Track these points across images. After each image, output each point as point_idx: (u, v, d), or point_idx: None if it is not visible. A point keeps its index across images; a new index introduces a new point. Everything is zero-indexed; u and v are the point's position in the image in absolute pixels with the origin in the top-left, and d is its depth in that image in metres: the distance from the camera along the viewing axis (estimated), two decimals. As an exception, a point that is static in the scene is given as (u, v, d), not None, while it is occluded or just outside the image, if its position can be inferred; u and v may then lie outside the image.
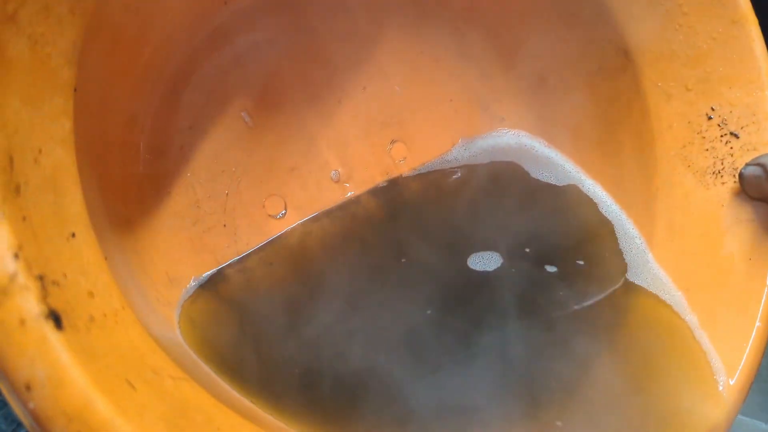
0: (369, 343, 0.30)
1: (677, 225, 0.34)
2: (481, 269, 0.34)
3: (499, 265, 0.34)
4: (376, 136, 0.40)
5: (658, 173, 0.35)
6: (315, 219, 0.37)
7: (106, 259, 0.24)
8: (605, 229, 0.36)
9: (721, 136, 0.33)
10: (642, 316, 0.32)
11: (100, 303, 0.22)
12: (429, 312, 0.32)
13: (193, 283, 0.33)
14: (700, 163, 0.33)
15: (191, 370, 0.26)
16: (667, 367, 0.30)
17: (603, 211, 0.37)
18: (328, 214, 0.37)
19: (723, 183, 0.33)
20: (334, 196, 0.38)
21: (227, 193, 0.35)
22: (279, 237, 0.36)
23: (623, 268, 0.35)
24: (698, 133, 0.34)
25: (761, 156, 0.31)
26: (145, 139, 0.33)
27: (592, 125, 0.39)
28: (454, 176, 0.39)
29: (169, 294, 0.32)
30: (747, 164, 0.31)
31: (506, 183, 0.39)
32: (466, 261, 0.34)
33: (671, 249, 0.33)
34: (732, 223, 0.32)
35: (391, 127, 0.40)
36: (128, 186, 0.32)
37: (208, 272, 0.34)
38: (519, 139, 0.41)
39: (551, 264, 0.34)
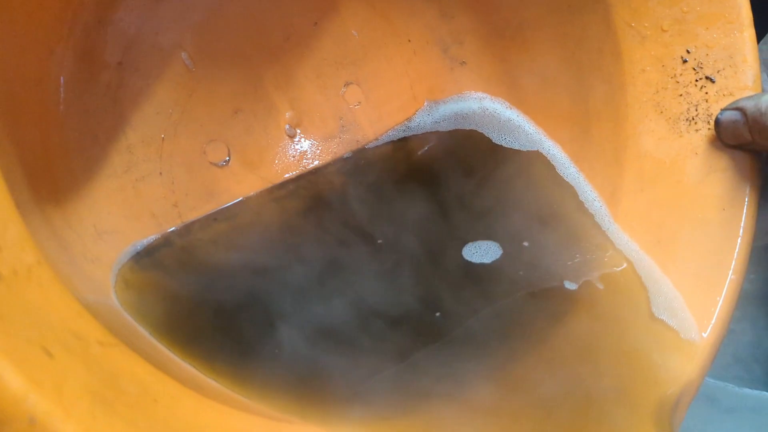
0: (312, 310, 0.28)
1: (648, 174, 0.32)
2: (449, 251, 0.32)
3: (465, 246, 0.32)
4: (329, 78, 0.36)
5: (629, 120, 0.33)
6: (270, 191, 0.33)
7: (18, 207, 0.20)
8: (567, 193, 0.34)
9: (696, 80, 0.31)
10: (607, 276, 0.31)
11: (10, 257, 0.19)
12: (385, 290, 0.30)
13: (131, 248, 0.30)
14: (674, 109, 0.32)
15: (126, 335, 0.22)
16: (635, 325, 0.29)
17: (562, 174, 0.35)
18: (282, 186, 0.34)
19: (697, 130, 0.31)
20: (282, 143, 0.35)
21: (163, 138, 0.32)
22: (229, 207, 0.33)
23: (586, 233, 0.33)
24: (672, 78, 0.32)
25: (739, 100, 0.29)
26: (66, 75, 0.29)
27: (559, 69, 0.36)
28: (419, 151, 0.36)
29: (97, 249, 0.28)
30: (723, 109, 0.29)
31: (469, 155, 0.36)
32: (434, 242, 0.32)
33: (641, 200, 0.32)
34: (706, 172, 0.30)
35: (344, 67, 0.37)
36: (48, 128, 0.28)
37: (149, 237, 0.30)
38: (482, 104, 0.39)
39: (517, 240, 0.32)
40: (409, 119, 0.38)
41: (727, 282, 0.28)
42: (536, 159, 0.35)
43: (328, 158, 0.36)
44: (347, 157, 0.35)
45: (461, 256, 0.31)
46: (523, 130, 0.37)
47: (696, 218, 0.30)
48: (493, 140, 0.37)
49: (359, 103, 0.37)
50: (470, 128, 0.37)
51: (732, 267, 0.28)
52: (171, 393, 0.21)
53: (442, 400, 0.25)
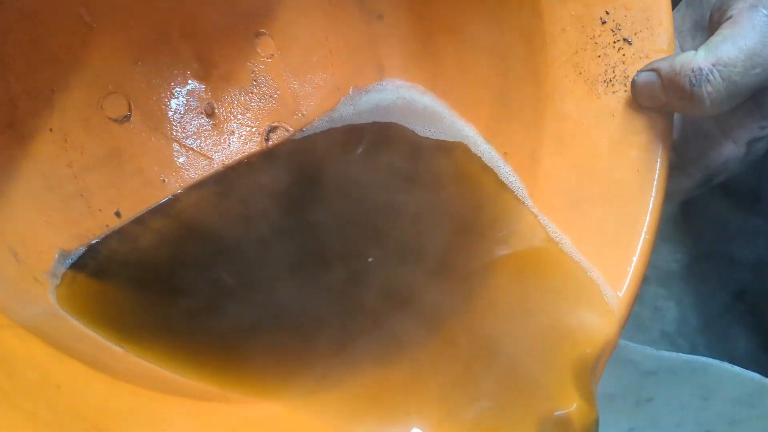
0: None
1: (566, 136, 0.32)
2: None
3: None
4: (239, 26, 0.34)
5: (548, 81, 0.33)
6: (190, 191, 0.31)
7: None
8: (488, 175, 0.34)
9: (614, 42, 0.31)
10: (526, 244, 0.31)
11: None
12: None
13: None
14: (592, 71, 0.32)
15: (29, 316, 0.20)
16: (554, 289, 0.29)
17: (475, 151, 0.35)
18: (198, 186, 0.31)
19: (614, 92, 0.31)
20: (187, 98, 0.32)
21: (53, 90, 0.28)
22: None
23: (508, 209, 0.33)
24: (591, 38, 0.32)
25: (655, 61, 0.29)
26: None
27: (478, 27, 0.35)
28: (339, 148, 0.34)
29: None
30: (640, 71, 0.30)
31: (392, 148, 0.35)
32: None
33: (560, 161, 0.32)
34: (622, 134, 0.31)
35: (256, 16, 0.34)
36: None
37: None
38: (399, 93, 0.37)
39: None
40: (332, 109, 0.36)
41: (641, 241, 0.29)
42: (457, 148, 0.35)
43: (238, 114, 0.34)
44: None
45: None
46: (438, 114, 0.36)
47: (612, 180, 0.30)
48: (412, 129, 0.35)
49: (272, 55, 0.35)
50: (391, 121, 0.36)
51: (645, 227, 0.29)
52: (76, 377, 0.19)
53: (375, 365, 0.25)
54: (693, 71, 0.27)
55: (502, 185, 0.33)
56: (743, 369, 0.35)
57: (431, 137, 0.35)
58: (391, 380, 0.25)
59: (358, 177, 0.32)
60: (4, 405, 0.15)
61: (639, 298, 0.43)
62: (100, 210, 0.30)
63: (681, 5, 0.33)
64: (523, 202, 0.32)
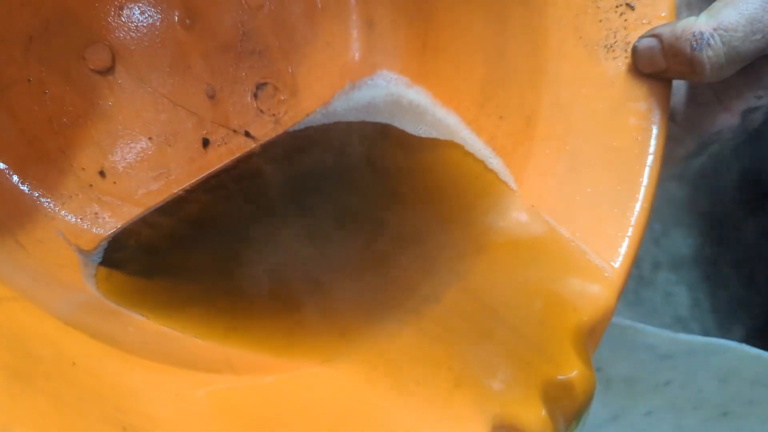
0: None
1: (564, 101, 0.32)
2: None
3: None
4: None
5: (547, 44, 0.32)
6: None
7: None
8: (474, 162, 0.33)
9: (617, 6, 0.31)
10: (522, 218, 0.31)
11: None
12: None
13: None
14: (592, 35, 0.31)
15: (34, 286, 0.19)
16: (553, 258, 0.29)
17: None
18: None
19: (614, 58, 0.31)
20: (174, 47, 0.30)
21: (31, 38, 0.26)
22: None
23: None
24: (593, 2, 0.31)
25: (657, 27, 0.29)
26: None
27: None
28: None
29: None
30: (641, 36, 0.30)
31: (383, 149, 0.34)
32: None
33: (558, 126, 0.32)
34: (622, 101, 0.30)
35: (244, -36, 0.32)
36: None
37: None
38: (388, 89, 0.36)
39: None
40: (326, 103, 0.34)
41: (637, 209, 0.29)
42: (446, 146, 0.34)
43: (227, 69, 0.32)
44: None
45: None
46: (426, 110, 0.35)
47: (610, 146, 0.30)
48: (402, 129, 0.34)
49: (262, 6, 0.33)
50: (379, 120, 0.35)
51: (641, 195, 0.29)
52: (89, 353, 0.17)
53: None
54: (694, 35, 0.27)
55: (489, 171, 0.32)
56: (761, 350, 0.35)
57: (422, 136, 0.34)
58: (399, 350, 0.25)
59: (351, 174, 0.32)
60: (29, 390, 0.14)
61: (651, 283, 0.45)
62: (83, 169, 0.28)
63: None
64: (513, 189, 0.31)
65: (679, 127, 0.31)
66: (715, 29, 0.26)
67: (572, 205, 0.31)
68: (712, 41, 0.27)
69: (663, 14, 0.30)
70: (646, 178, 0.30)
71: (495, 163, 0.32)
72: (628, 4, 0.31)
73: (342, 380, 0.23)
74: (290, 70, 0.34)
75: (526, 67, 0.33)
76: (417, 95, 0.35)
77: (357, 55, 0.37)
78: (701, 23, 0.27)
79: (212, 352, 0.23)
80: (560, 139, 0.32)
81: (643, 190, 0.29)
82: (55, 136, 0.27)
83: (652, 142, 0.30)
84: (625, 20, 0.31)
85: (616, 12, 0.31)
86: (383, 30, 0.37)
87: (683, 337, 0.35)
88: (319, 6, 0.35)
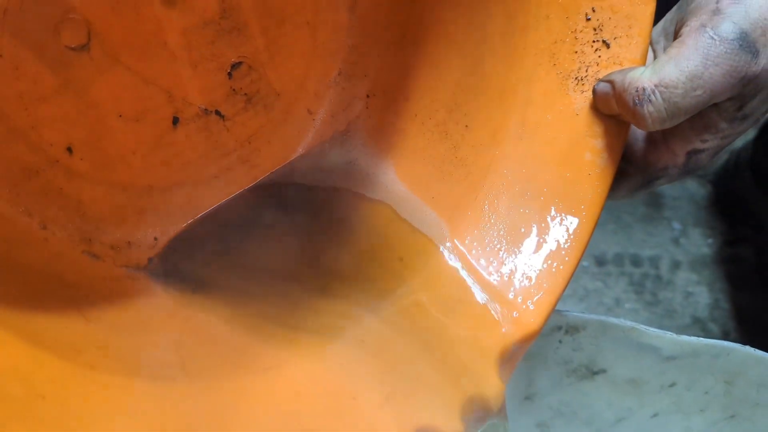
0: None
1: (530, 123, 0.33)
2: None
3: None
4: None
5: (523, 64, 0.33)
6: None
7: None
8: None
9: (594, 41, 0.32)
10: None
11: None
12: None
13: None
14: (566, 65, 0.32)
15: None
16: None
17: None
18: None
19: (583, 91, 0.32)
20: (153, 24, 0.30)
21: (6, 10, 0.25)
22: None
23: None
24: (572, 32, 0.32)
25: (612, 73, 0.30)
26: None
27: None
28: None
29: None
30: (600, 80, 0.31)
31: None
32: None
33: (519, 148, 0.33)
34: (582, 134, 0.32)
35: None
36: None
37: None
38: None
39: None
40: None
41: (576, 224, 0.31)
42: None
43: (202, 47, 0.32)
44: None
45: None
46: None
47: (562, 177, 0.32)
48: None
49: (243, -18, 0.32)
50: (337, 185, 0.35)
51: (577, 233, 0.31)
52: (57, 381, 0.19)
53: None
54: (637, 90, 0.28)
55: (415, 231, 0.34)
56: (766, 353, 0.35)
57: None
58: (339, 365, 0.27)
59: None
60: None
61: (670, 283, 0.47)
62: (51, 145, 0.28)
63: (673, 8, 0.34)
64: (437, 246, 0.33)
65: (625, 161, 0.33)
66: (656, 85, 0.28)
67: (512, 229, 0.32)
68: (653, 97, 0.28)
69: (636, 57, 0.31)
70: (583, 214, 0.31)
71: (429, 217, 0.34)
72: (604, 41, 0.32)
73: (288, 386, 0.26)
74: (267, 49, 0.34)
75: (499, 82, 0.34)
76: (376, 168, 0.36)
77: (336, 35, 0.37)
78: (645, 78, 0.28)
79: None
80: (520, 162, 0.33)
81: (578, 229, 0.31)
82: (26, 112, 0.27)
83: (604, 182, 0.32)
84: (599, 56, 0.32)
85: (592, 47, 0.32)
86: (365, 12, 0.37)
87: (687, 339, 0.35)
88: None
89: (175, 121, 0.32)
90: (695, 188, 0.52)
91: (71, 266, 0.28)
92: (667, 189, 0.54)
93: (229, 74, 0.33)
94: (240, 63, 0.33)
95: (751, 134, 0.56)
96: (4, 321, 0.20)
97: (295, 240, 0.32)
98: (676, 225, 0.53)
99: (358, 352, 0.27)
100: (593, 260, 0.52)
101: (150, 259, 0.31)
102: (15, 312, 0.21)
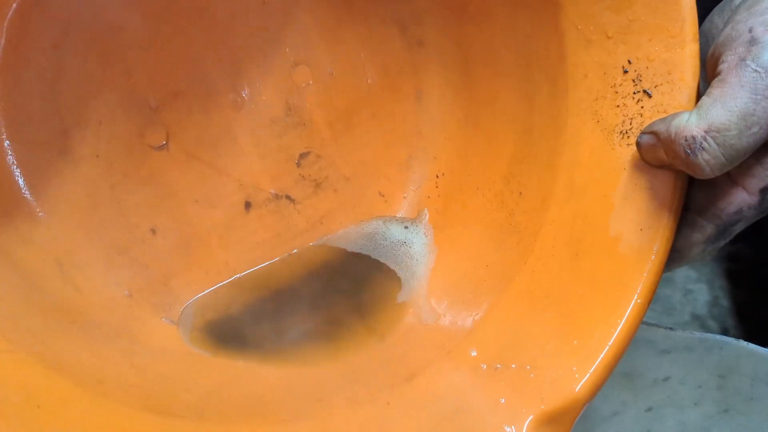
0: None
1: (578, 184, 0.32)
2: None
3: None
4: (277, 55, 0.36)
5: (568, 125, 0.32)
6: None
7: None
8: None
9: (634, 92, 0.30)
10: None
11: None
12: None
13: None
14: (610, 120, 0.31)
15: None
16: None
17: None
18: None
19: (628, 144, 0.30)
20: (222, 126, 0.35)
21: (101, 122, 0.32)
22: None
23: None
24: (612, 87, 0.31)
25: (654, 123, 0.29)
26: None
27: (511, 58, 0.35)
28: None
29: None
30: (642, 132, 0.29)
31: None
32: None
33: (567, 209, 0.32)
34: (631, 189, 0.30)
35: (294, 46, 0.36)
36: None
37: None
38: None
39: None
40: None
41: (631, 305, 0.29)
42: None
43: (270, 141, 0.36)
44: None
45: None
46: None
47: (614, 236, 0.30)
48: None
49: (309, 83, 0.37)
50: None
51: (638, 291, 0.29)
52: (59, 396, 0.22)
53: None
54: (686, 140, 0.26)
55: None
56: (759, 346, 0.35)
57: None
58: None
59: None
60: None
61: (669, 280, 0.47)
62: (137, 226, 0.34)
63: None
64: None
65: (692, 212, 0.30)
66: (707, 131, 0.25)
67: (570, 290, 0.31)
68: (705, 144, 0.26)
69: (683, 102, 0.29)
70: (645, 273, 0.29)
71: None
72: (645, 91, 0.30)
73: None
74: (334, 140, 0.38)
75: (548, 147, 0.33)
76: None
77: (404, 124, 0.39)
78: (692, 126, 0.26)
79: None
80: (568, 223, 0.32)
81: (640, 286, 0.29)
82: (116, 200, 0.33)
83: (658, 236, 0.29)
84: (642, 107, 0.30)
85: (633, 98, 0.31)
86: (430, 101, 0.39)
87: (680, 333, 0.35)
88: (368, 81, 0.39)
89: (248, 205, 0.36)
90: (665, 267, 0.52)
91: (147, 328, 0.33)
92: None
93: (297, 163, 0.37)
94: (308, 153, 0.38)
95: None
96: (39, 353, 0.24)
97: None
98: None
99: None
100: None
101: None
102: (58, 349, 0.26)
